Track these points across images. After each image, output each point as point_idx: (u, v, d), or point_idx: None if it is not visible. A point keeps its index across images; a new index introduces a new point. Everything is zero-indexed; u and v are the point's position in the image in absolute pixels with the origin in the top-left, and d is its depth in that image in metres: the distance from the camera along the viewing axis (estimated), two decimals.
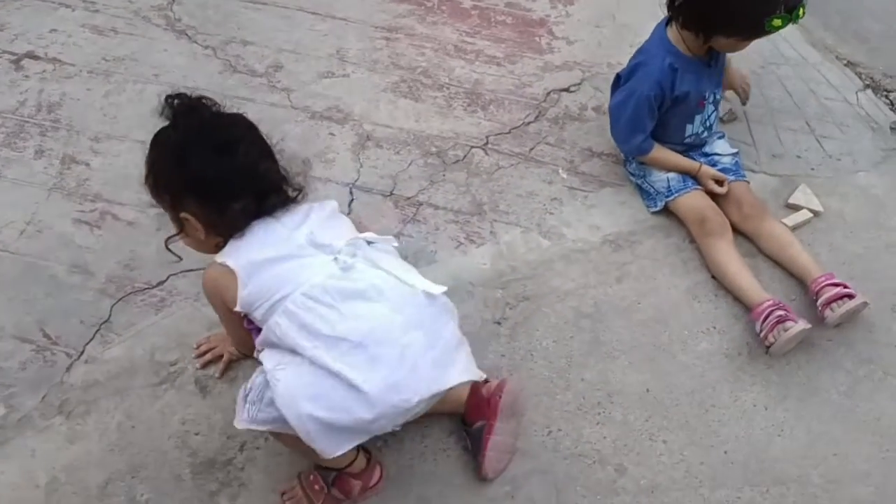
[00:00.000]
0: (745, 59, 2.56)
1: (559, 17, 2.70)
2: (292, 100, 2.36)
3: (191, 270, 1.94)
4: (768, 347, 1.79)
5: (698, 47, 1.96)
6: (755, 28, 1.81)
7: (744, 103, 2.30)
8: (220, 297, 1.42)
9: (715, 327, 1.91)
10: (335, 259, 1.38)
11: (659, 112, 2.02)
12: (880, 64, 2.69)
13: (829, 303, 1.84)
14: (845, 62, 2.67)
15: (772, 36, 2.61)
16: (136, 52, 2.50)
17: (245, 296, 1.37)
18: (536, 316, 1.91)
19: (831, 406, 1.78)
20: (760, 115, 2.40)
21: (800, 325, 1.75)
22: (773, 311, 1.81)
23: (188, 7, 2.67)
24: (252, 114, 2.25)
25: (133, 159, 2.18)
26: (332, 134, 2.28)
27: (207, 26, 2.60)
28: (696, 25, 1.89)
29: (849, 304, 1.83)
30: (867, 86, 2.56)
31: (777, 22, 1.77)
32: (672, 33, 1.98)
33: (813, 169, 2.28)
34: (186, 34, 2.56)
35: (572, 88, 2.46)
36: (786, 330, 1.75)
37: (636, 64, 2.03)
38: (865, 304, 1.86)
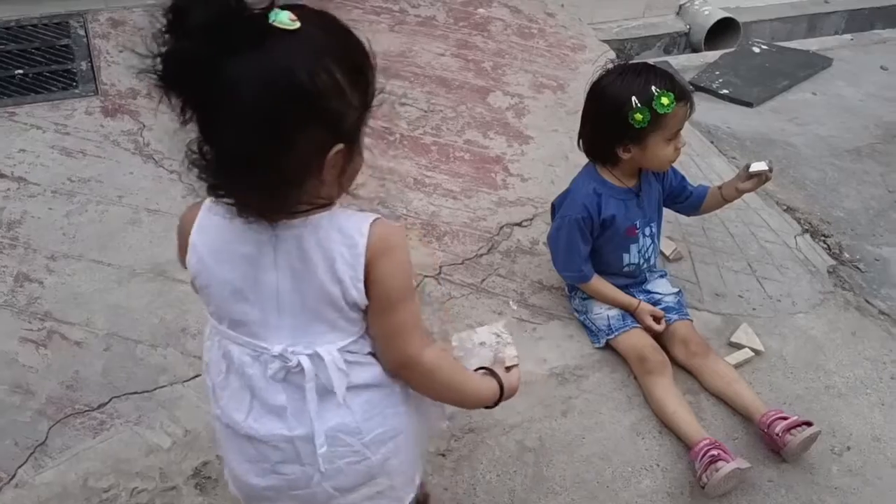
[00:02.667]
0: None
1: (515, 156, 2.85)
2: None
3: (134, 393, 1.94)
4: (703, 487, 1.81)
5: (626, 177, 2.08)
6: (627, 126, 1.90)
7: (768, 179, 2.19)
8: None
9: (658, 465, 1.93)
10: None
11: (592, 237, 2.11)
12: (817, 210, 2.86)
13: (789, 428, 1.88)
14: (784, 207, 2.83)
15: (714, 180, 2.80)
16: (101, 174, 2.58)
17: None
18: (481, 448, 1.92)
19: None
20: (704, 256, 2.52)
21: (732, 465, 1.78)
22: (708, 450, 1.84)
23: (157, 133, 2.78)
24: None
25: (87, 279, 2.22)
26: None
27: (174, 152, 2.69)
28: (600, 152, 2.03)
29: (809, 431, 1.87)
30: (805, 230, 2.71)
31: (638, 116, 1.88)
32: (600, 170, 2.10)
33: (754, 309, 2.37)
34: (153, 158, 2.66)
35: (524, 223, 2.57)
36: (717, 470, 1.78)
37: (565, 193, 2.15)
38: (820, 432, 1.90)
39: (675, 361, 2.14)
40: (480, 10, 3.68)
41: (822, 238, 2.71)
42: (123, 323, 2.11)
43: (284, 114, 0.94)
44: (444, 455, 1.89)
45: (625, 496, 1.85)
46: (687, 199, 2.25)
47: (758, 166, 2.12)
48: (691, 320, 2.22)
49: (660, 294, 2.25)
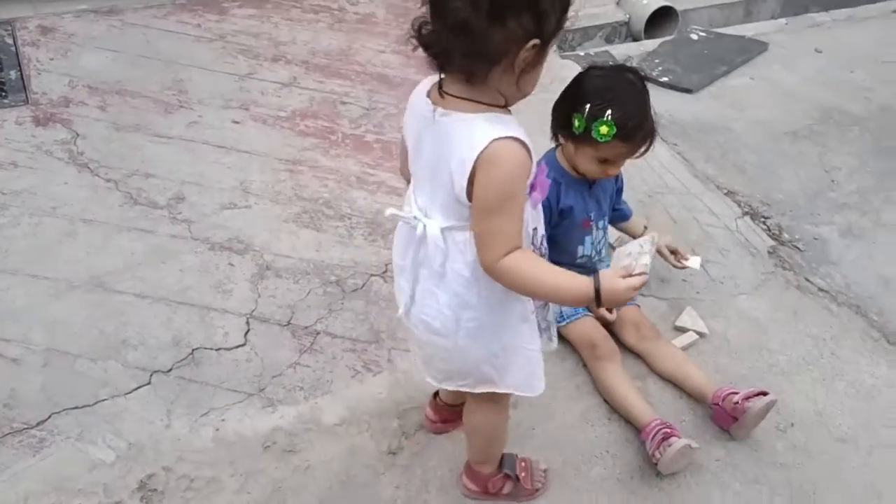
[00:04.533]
0: (635, 189, 2.75)
1: None
2: (193, 231, 2.40)
3: (75, 408, 1.90)
4: (656, 464, 1.84)
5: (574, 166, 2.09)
6: (567, 124, 1.89)
7: (690, 255, 2.33)
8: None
9: (608, 451, 1.95)
10: None
11: (549, 225, 2.12)
12: (757, 192, 2.92)
13: (748, 397, 1.92)
14: (725, 191, 2.88)
15: (656, 167, 2.84)
16: (34, 186, 2.52)
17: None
18: (433, 446, 1.92)
19: None
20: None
21: (683, 441, 1.82)
22: (659, 429, 1.87)
23: (92, 141, 2.72)
24: (150, 246, 2.33)
25: (23, 293, 2.16)
26: (231, 265, 2.31)
27: (110, 160, 2.65)
28: (554, 128, 2.01)
29: (767, 398, 1.91)
30: (745, 213, 2.77)
31: (576, 122, 1.85)
32: (559, 155, 2.11)
33: (698, 293, 2.41)
34: (89, 167, 2.61)
35: None
36: (669, 445, 1.81)
37: None
38: (776, 401, 1.95)
39: (625, 346, 2.17)
40: (420, 7, 3.68)
41: (763, 220, 2.77)
42: (62, 337, 2.06)
43: None
44: (394, 453, 1.89)
45: (576, 484, 1.87)
46: (619, 208, 2.29)
47: (693, 262, 2.28)
48: (639, 306, 2.26)
49: None
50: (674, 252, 2.29)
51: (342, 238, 2.44)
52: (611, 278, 1.25)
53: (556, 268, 1.30)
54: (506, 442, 1.78)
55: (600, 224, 2.19)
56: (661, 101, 3.48)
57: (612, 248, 2.48)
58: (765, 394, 1.95)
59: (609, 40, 4.62)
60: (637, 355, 2.19)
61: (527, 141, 1.21)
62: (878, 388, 2.18)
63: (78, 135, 2.74)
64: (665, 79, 3.66)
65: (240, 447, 1.87)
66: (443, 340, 1.42)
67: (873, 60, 4.07)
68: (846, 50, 4.16)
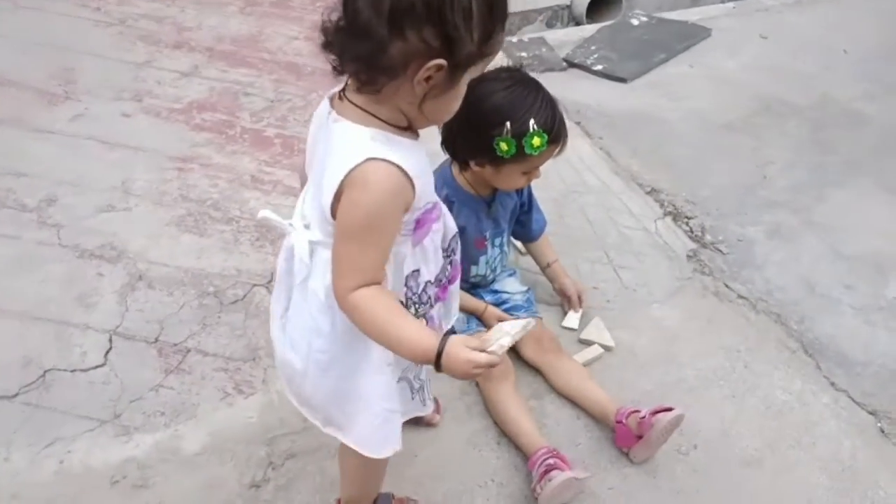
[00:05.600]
0: (551, 188, 2.61)
1: None
2: (62, 237, 2.23)
3: None
4: (536, 499, 1.71)
5: (481, 186, 1.95)
6: (488, 150, 1.76)
7: (576, 311, 2.21)
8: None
9: (493, 480, 1.82)
10: None
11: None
12: (683, 190, 2.79)
13: (655, 412, 1.80)
14: (649, 189, 2.75)
15: (575, 164, 2.70)
16: None
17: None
18: (302, 477, 1.78)
19: None
20: (561, 246, 2.41)
21: (566, 475, 1.69)
22: (544, 459, 1.75)
23: None
24: (12, 254, 2.15)
25: None
26: (100, 274, 2.15)
27: None
28: (457, 154, 1.88)
29: (674, 413, 1.79)
30: (667, 213, 2.64)
31: (504, 146, 1.74)
32: (455, 169, 1.97)
33: (609, 301, 2.29)
34: None
35: None
36: (550, 480, 1.68)
37: None
38: (683, 416, 1.83)
39: (524, 360, 2.05)
40: None
41: (685, 220, 2.65)
42: None
43: (409, 4, 0.98)
44: (257, 486, 1.75)
45: None
46: (525, 227, 2.15)
47: (569, 321, 2.19)
48: (541, 318, 2.13)
49: (508, 293, 2.14)
50: (569, 298, 2.20)
51: (227, 244, 2.28)
52: (458, 346, 1.10)
53: (408, 318, 1.16)
54: (381, 480, 1.64)
55: (497, 242, 2.05)
56: (592, 91, 3.35)
57: (521, 253, 2.35)
58: (671, 409, 1.82)
59: (550, 24, 4.47)
60: (537, 370, 2.06)
61: (410, 169, 1.08)
62: (789, 404, 2.06)
63: None
64: (599, 67, 3.52)
65: (84, 481, 1.71)
66: (297, 363, 1.29)
67: (820, 46, 3.96)
68: (792, 36, 4.05)
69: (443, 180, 1.95)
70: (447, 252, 1.35)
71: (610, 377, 2.08)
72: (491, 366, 1.11)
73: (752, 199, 2.81)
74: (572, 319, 2.19)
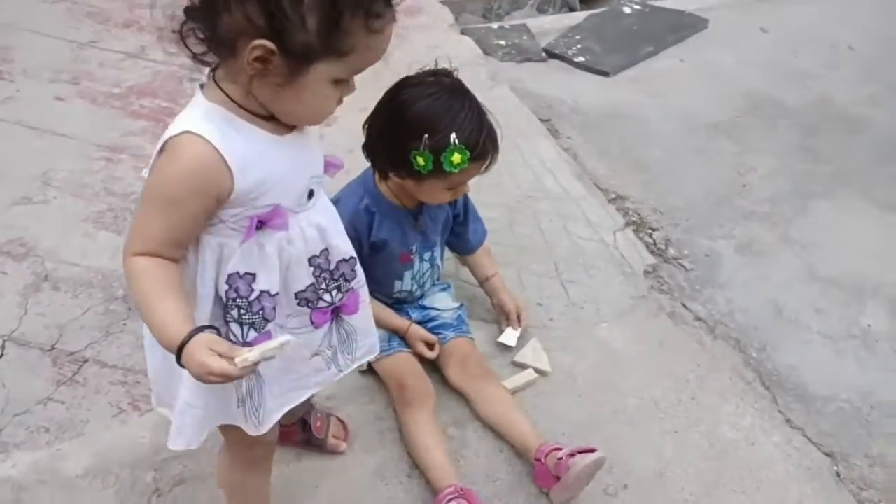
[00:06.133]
0: (504, 193, 2.45)
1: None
2: None
3: None
4: None
5: (406, 196, 1.79)
6: (406, 163, 1.62)
7: (515, 328, 2.05)
8: None
9: None
10: None
11: (360, 257, 1.83)
12: (651, 197, 2.62)
13: (573, 454, 1.66)
14: (613, 196, 2.59)
15: (535, 167, 2.53)
16: None
17: None
18: None
19: None
20: (506, 256, 2.26)
21: None
22: (449, 499, 1.61)
23: None
24: None
25: None
26: (3, 273, 2.03)
27: None
28: (376, 162, 1.73)
29: (594, 456, 1.65)
30: (629, 223, 2.48)
31: (420, 160, 1.59)
32: (379, 181, 1.81)
33: (552, 319, 2.13)
34: None
35: None
36: None
37: (333, 201, 1.86)
38: (605, 460, 1.69)
39: (448, 383, 1.91)
40: None
41: (649, 231, 2.48)
42: None
43: None
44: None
45: None
46: (460, 238, 2.00)
47: (506, 338, 2.04)
48: (472, 338, 1.98)
49: (437, 310, 2.00)
50: (507, 315, 2.05)
51: None
52: (200, 346, 0.99)
53: (170, 301, 1.04)
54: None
55: (426, 256, 1.91)
56: (570, 86, 3.18)
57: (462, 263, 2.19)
58: (592, 451, 1.68)
59: (541, 9, 4.28)
60: (463, 395, 1.92)
61: (233, 155, 1.02)
62: (736, 443, 1.91)
63: None
64: (580, 59, 3.34)
65: None
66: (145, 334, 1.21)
67: (824, 43, 3.74)
68: (796, 30, 3.83)
69: (364, 188, 1.81)
70: (334, 278, 1.24)
71: (541, 405, 1.93)
72: (226, 377, 0.98)
73: (726, 210, 2.63)
74: (510, 336, 2.04)
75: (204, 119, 1.02)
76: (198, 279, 1.12)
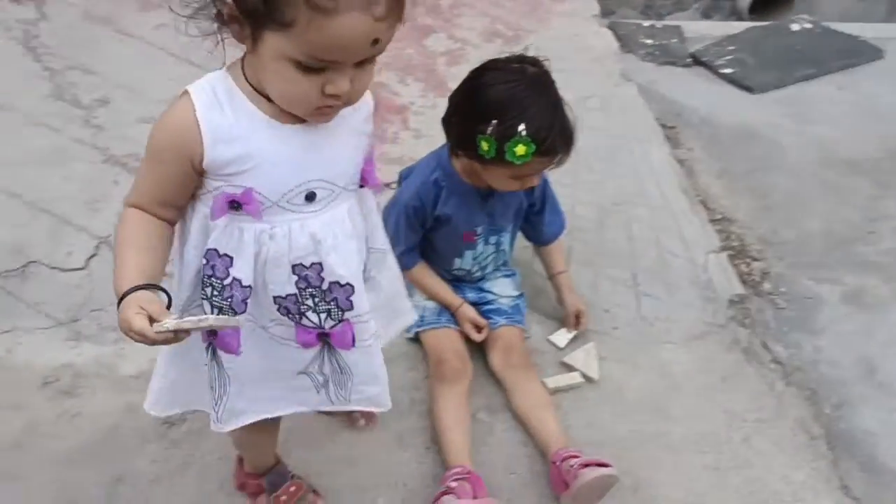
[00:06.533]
0: (601, 192, 2.40)
1: (423, 108, 2.59)
2: (98, 139, 2.32)
3: None
4: None
5: (476, 177, 1.79)
6: (472, 145, 1.61)
7: (569, 330, 2.04)
8: None
9: (405, 484, 1.72)
10: None
11: (424, 228, 1.87)
12: (763, 227, 2.47)
13: (586, 464, 1.64)
14: (719, 217, 2.46)
15: (642, 172, 2.46)
16: None
17: None
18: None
19: None
20: (587, 256, 2.22)
21: (462, 502, 1.55)
22: (451, 478, 1.63)
23: (55, 26, 2.69)
24: (49, 146, 2.25)
25: None
26: (115, 182, 2.22)
27: (62, 49, 2.60)
28: (450, 136, 1.74)
29: (603, 471, 1.62)
30: (727, 248, 2.35)
31: (484, 145, 1.58)
32: (454, 157, 1.82)
33: (616, 328, 2.08)
34: (35, 52, 2.57)
35: (393, 185, 2.33)
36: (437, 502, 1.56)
37: (408, 171, 1.90)
38: (617, 479, 1.65)
39: (490, 369, 1.91)
40: None
41: (748, 261, 2.34)
42: None
43: None
44: (171, 424, 1.75)
45: None
46: (534, 228, 1.97)
47: (557, 338, 2.02)
48: (522, 328, 1.97)
49: (495, 294, 2.00)
50: (565, 315, 2.03)
51: None
52: (132, 303, 0.99)
53: (138, 253, 1.06)
54: (265, 449, 1.58)
55: (492, 239, 1.91)
56: (707, 96, 3.04)
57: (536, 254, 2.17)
58: (606, 465, 1.64)
59: (706, 14, 4.10)
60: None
61: (210, 123, 1.01)
62: (780, 496, 1.78)
63: (44, 16, 2.71)
64: (727, 70, 3.18)
65: (20, 375, 1.79)
66: None
67: None
68: None
69: (438, 162, 1.82)
70: (325, 299, 1.15)
71: (581, 412, 1.89)
72: (144, 338, 0.98)
73: (842, 254, 2.44)
74: (561, 336, 2.01)
75: (206, 83, 1.04)
76: (185, 245, 1.13)
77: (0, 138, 2.29)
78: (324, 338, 1.20)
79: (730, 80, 3.15)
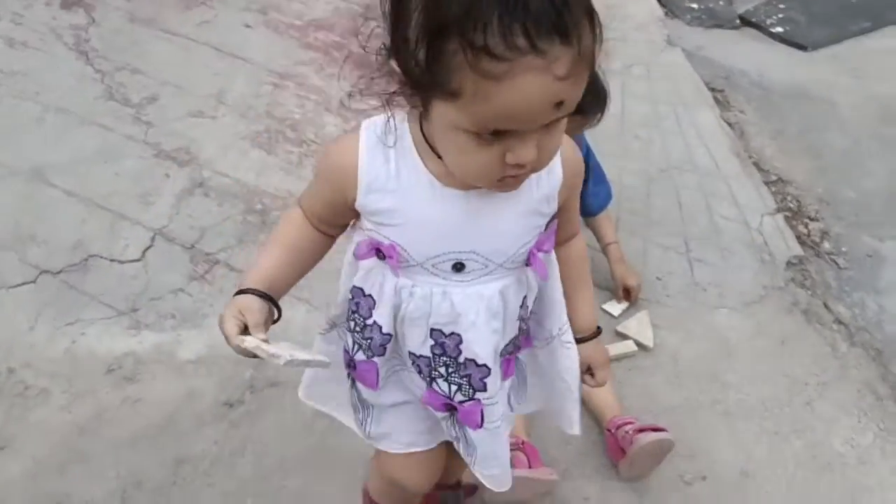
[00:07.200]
0: (648, 160, 2.37)
1: None
2: (148, 134, 2.39)
3: None
4: None
5: None
6: None
7: (618, 302, 2.04)
8: None
9: None
10: None
11: None
12: (819, 186, 2.41)
13: (642, 430, 1.65)
14: (774, 178, 2.40)
15: (689, 137, 2.43)
16: (31, 68, 2.61)
17: None
18: (275, 408, 1.81)
19: None
20: (635, 224, 2.20)
21: (518, 471, 1.55)
22: (510, 450, 1.62)
23: (103, 30, 2.77)
24: (102, 144, 2.33)
25: None
26: (167, 175, 2.28)
27: (111, 51, 2.68)
28: None
29: (659, 436, 1.63)
30: (783, 209, 2.29)
31: None
32: None
33: (668, 295, 2.05)
34: (87, 56, 2.66)
35: None
36: None
37: None
38: (673, 444, 1.65)
39: None
40: None
41: (805, 221, 2.28)
42: None
43: None
44: (230, 405, 1.80)
45: None
46: (581, 199, 1.94)
47: (611, 306, 2.02)
48: None
49: None
50: (624, 288, 2.01)
51: (289, 165, 2.32)
52: (238, 304, 1.00)
53: (273, 258, 1.04)
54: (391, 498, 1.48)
55: None
56: (758, 57, 2.97)
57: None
58: (661, 430, 1.63)
59: None
60: None
61: (363, 167, 0.96)
62: (844, 459, 1.75)
63: (94, 21, 2.80)
64: (778, 29, 3.09)
65: (85, 364, 1.86)
66: None
67: None
68: None
69: None
70: (459, 373, 1.08)
71: (635, 380, 1.88)
72: (227, 341, 0.97)
73: None
74: (614, 306, 1.99)
75: (382, 126, 0.96)
76: (344, 263, 1.10)
77: (56, 139, 2.37)
78: (451, 409, 1.13)
79: (781, 39, 3.06)
